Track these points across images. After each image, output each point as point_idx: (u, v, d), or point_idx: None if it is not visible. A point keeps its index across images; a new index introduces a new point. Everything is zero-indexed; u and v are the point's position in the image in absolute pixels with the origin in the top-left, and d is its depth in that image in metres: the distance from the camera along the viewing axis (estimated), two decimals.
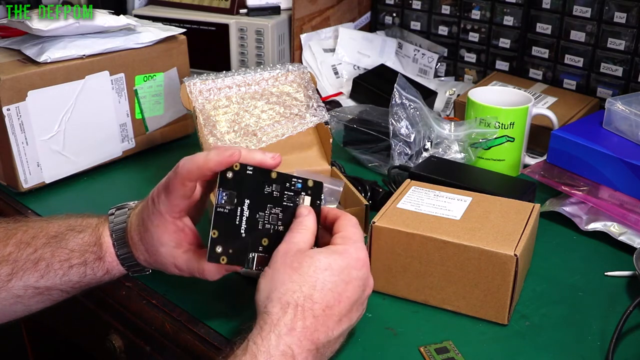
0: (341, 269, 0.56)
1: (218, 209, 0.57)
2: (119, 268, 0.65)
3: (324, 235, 0.62)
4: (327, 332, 0.54)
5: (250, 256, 0.59)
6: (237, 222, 0.58)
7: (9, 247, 0.63)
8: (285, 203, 0.60)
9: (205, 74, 0.88)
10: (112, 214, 0.66)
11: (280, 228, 0.60)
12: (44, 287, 0.63)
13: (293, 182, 0.61)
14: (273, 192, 0.60)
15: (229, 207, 0.57)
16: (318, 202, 0.62)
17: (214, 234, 0.57)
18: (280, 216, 0.60)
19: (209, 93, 0.87)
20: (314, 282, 0.54)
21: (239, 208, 0.58)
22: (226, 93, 0.88)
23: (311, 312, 0.53)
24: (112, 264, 0.65)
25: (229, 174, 0.57)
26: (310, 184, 0.62)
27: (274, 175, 0.60)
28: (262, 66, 0.92)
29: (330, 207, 0.62)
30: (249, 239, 0.59)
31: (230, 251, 0.58)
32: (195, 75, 0.88)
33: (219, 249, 0.57)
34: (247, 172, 0.58)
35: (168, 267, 0.63)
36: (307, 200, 0.61)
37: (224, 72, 0.89)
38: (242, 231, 0.58)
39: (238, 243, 0.58)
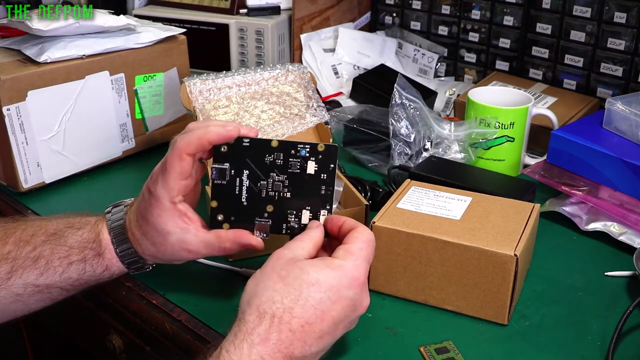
0: (330, 286, 0.53)
1: (215, 182, 0.61)
2: (119, 265, 0.65)
3: (335, 242, 0.60)
4: (303, 347, 0.52)
5: (256, 222, 0.62)
6: (237, 192, 0.62)
7: (8, 245, 0.63)
8: (291, 170, 0.61)
9: (205, 74, 0.88)
10: (109, 211, 0.66)
11: (288, 195, 0.61)
12: (44, 284, 0.63)
13: (298, 149, 0.61)
14: (276, 161, 0.61)
15: (226, 179, 0.61)
16: (332, 165, 0.61)
17: (214, 204, 0.62)
18: (286, 183, 0.61)
19: (209, 93, 0.87)
20: (297, 295, 0.52)
21: (238, 179, 0.61)
22: (226, 93, 0.88)
23: (288, 325, 0.51)
24: (111, 261, 0.65)
25: (224, 148, 0.61)
26: (320, 148, 0.61)
27: (274, 144, 0.61)
28: (262, 66, 0.92)
29: (347, 218, 0.60)
30: (250, 207, 0.62)
31: (232, 218, 0.62)
32: (195, 75, 0.88)
33: (220, 217, 0.62)
34: (244, 144, 0.61)
35: (179, 254, 0.63)
36: (312, 166, 0.61)
37: (224, 72, 0.89)
38: (244, 200, 0.62)
39: (240, 211, 0.62)
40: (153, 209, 0.61)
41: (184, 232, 0.62)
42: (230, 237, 0.62)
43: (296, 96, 0.90)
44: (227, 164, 0.61)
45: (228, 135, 0.60)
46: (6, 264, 0.62)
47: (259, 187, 0.62)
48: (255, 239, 0.62)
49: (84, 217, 0.67)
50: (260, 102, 0.88)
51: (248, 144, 0.61)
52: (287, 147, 0.61)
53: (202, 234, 0.62)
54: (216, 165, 0.61)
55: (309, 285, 0.53)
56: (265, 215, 0.62)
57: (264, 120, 0.87)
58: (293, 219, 0.62)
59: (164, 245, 0.62)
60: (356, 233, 0.58)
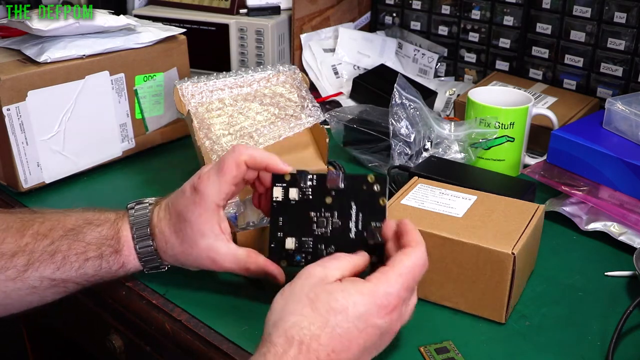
0: (358, 315, 0.51)
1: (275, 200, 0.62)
2: (135, 263, 0.66)
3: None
4: None
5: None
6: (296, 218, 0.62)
7: (25, 237, 0.63)
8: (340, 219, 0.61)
9: (196, 77, 0.88)
10: (132, 207, 0.66)
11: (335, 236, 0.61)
12: (60, 279, 0.63)
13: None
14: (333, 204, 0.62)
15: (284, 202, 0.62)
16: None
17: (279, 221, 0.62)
18: (337, 226, 0.61)
19: (201, 96, 0.86)
20: (324, 323, 0.51)
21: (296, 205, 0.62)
22: (218, 95, 0.87)
23: (316, 353, 0.50)
24: (128, 258, 0.65)
25: (287, 177, 0.62)
26: (370, 179, 0.60)
27: (328, 200, 0.61)
28: (253, 67, 0.91)
29: (405, 220, 0.59)
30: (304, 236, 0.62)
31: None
32: (186, 78, 0.87)
33: (280, 234, 0.62)
34: (309, 182, 0.62)
35: (202, 261, 0.63)
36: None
37: (215, 73, 0.88)
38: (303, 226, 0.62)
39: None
40: (195, 207, 0.62)
41: (216, 239, 0.62)
42: (260, 262, 0.63)
43: (290, 97, 0.89)
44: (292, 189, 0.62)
45: (284, 171, 0.62)
46: (23, 256, 0.63)
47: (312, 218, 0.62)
48: (279, 271, 0.62)
49: (103, 213, 0.67)
50: (253, 103, 0.88)
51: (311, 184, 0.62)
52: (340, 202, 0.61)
53: (234, 247, 0.63)
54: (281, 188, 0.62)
55: (337, 313, 0.51)
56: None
57: (259, 122, 0.87)
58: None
59: (193, 247, 0.63)
60: (403, 255, 0.55)
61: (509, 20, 1.18)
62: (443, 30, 1.28)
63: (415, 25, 1.31)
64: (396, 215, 0.68)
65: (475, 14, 1.22)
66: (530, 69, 1.18)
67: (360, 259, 0.58)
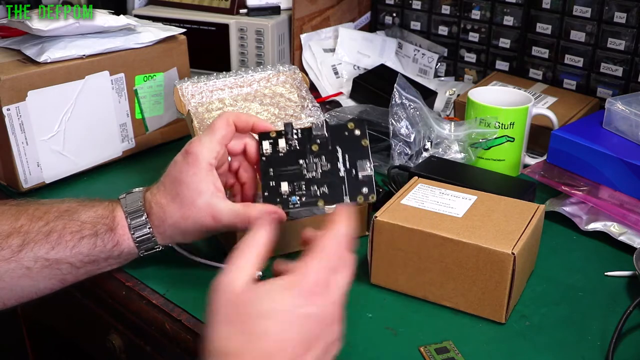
0: (285, 312, 0.49)
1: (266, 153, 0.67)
2: (129, 243, 0.66)
3: None
4: None
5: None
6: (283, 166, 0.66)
7: (20, 220, 0.64)
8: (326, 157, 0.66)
9: (196, 77, 0.88)
10: (124, 197, 0.68)
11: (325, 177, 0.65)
12: (54, 259, 0.64)
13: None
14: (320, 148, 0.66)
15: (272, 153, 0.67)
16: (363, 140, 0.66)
17: (270, 172, 0.66)
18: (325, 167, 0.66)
19: (201, 96, 0.87)
20: (251, 329, 0.48)
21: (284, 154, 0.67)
22: (218, 95, 0.87)
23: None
24: (122, 237, 0.66)
25: (272, 134, 0.67)
26: (350, 126, 0.66)
27: (315, 148, 0.66)
28: (253, 67, 0.91)
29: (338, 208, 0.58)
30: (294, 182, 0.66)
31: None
32: (186, 78, 0.88)
33: (272, 183, 0.65)
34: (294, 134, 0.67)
35: (203, 220, 0.64)
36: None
37: (215, 73, 0.89)
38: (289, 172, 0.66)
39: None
40: (189, 168, 0.64)
41: (213, 196, 0.64)
42: (259, 206, 0.63)
43: (290, 97, 0.89)
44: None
45: (270, 129, 0.66)
46: (18, 237, 0.63)
47: (300, 164, 0.65)
48: (280, 210, 0.63)
49: (97, 199, 0.69)
50: (253, 103, 0.88)
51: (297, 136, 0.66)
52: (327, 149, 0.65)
53: (230, 203, 0.64)
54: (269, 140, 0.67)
55: (265, 318, 0.49)
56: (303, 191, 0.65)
57: None
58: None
59: (192, 207, 0.64)
60: (325, 238, 0.53)
61: (509, 20, 1.18)
62: (443, 30, 1.28)
63: (415, 25, 1.31)
64: (397, 216, 0.68)
65: (475, 14, 1.22)
66: (530, 69, 1.18)
67: (260, 241, 0.53)
